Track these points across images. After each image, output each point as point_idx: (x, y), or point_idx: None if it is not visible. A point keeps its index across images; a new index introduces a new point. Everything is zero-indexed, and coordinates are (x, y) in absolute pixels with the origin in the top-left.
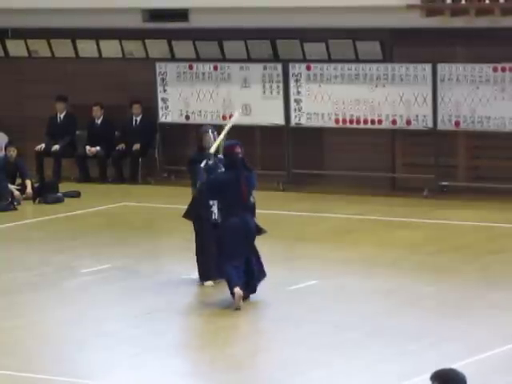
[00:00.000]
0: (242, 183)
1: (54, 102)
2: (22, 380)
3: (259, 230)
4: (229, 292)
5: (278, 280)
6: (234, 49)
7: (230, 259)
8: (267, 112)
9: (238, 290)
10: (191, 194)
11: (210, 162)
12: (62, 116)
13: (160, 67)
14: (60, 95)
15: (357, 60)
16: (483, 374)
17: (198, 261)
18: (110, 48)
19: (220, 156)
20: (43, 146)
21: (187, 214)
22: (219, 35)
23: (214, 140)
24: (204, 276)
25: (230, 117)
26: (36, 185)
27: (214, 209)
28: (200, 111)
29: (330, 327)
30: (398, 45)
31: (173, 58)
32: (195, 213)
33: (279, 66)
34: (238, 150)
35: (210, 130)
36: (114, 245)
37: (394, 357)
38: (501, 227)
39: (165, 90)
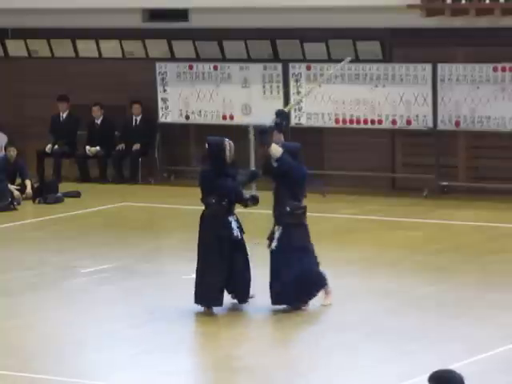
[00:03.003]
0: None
1: (55, 102)
2: (22, 380)
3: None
4: (228, 292)
5: None
6: (234, 49)
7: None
8: (267, 112)
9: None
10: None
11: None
12: (64, 115)
13: (160, 67)
14: (62, 95)
15: (357, 60)
16: (483, 373)
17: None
18: (110, 48)
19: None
20: (50, 146)
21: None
22: (219, 35)
23: (230, 151)
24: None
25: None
26: (36, 185)
27: (234, 225)
28: (200, 111)
29: (330, 327)
30: (397, 45)
31: (173, 58)
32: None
33: (279, 66)
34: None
35: (225, 141)
36: (114, 245)
37: (393, 357)
38: (501, 227)
39: (165, 90)
